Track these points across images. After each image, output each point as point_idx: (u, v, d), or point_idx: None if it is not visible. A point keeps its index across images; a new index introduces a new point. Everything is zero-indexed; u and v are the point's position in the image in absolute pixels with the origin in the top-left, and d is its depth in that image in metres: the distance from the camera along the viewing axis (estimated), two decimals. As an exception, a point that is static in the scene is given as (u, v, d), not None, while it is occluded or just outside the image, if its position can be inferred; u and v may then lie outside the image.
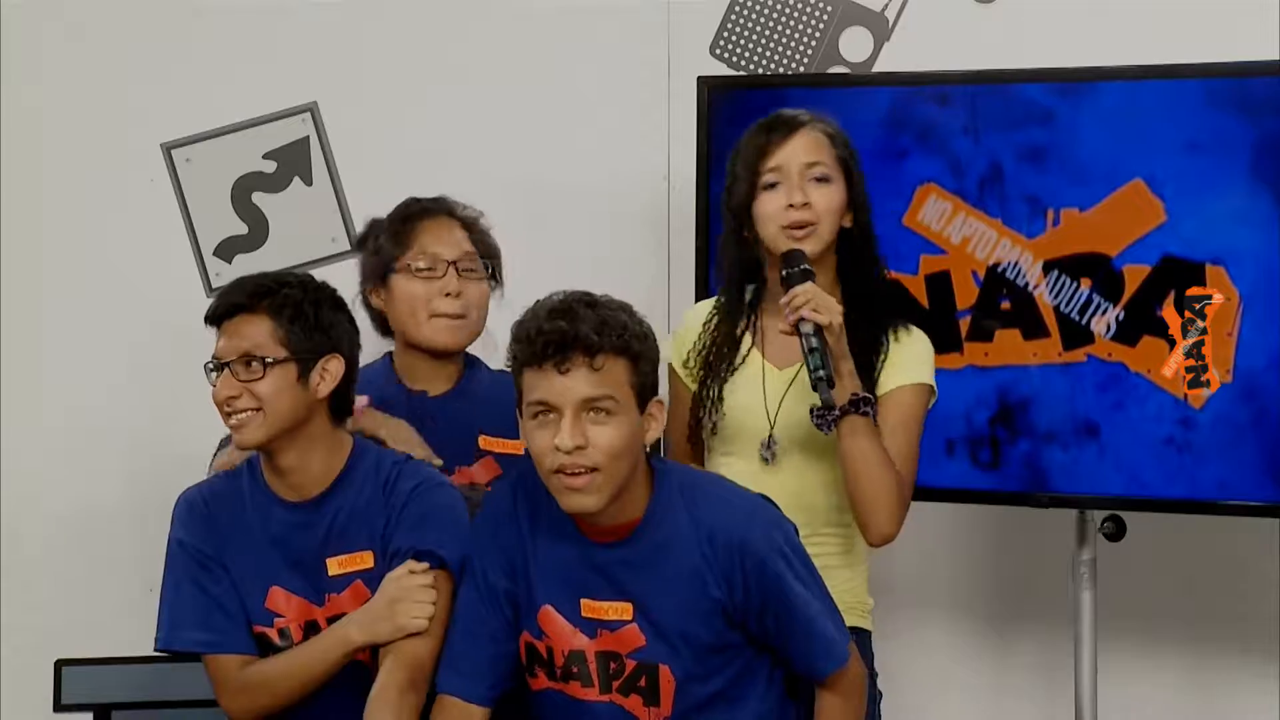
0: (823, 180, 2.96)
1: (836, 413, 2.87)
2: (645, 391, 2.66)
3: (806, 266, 2.92)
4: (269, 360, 2.78)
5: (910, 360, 2.99)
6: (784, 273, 2.92)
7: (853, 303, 2.97)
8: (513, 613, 2.76)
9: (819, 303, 2.86)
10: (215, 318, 2.83)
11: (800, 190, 2.95)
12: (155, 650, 2.87)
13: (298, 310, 2.82)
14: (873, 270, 3.03)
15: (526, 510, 2.76)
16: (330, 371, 2.82)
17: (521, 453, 2.95)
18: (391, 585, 2.78)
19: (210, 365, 2.81)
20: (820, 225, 2.95)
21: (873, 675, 3.00)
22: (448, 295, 3.03)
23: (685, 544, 2.68)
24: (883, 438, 2.92)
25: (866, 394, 2.89)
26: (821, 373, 2.84)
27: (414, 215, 3.09)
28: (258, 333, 2.79)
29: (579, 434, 2.60)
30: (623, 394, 2.62)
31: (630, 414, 2.64)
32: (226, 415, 2.80)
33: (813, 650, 2.71)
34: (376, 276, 3.08)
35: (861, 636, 2.98)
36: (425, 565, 2.78)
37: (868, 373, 2.95)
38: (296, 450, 2.82)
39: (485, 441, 3.07)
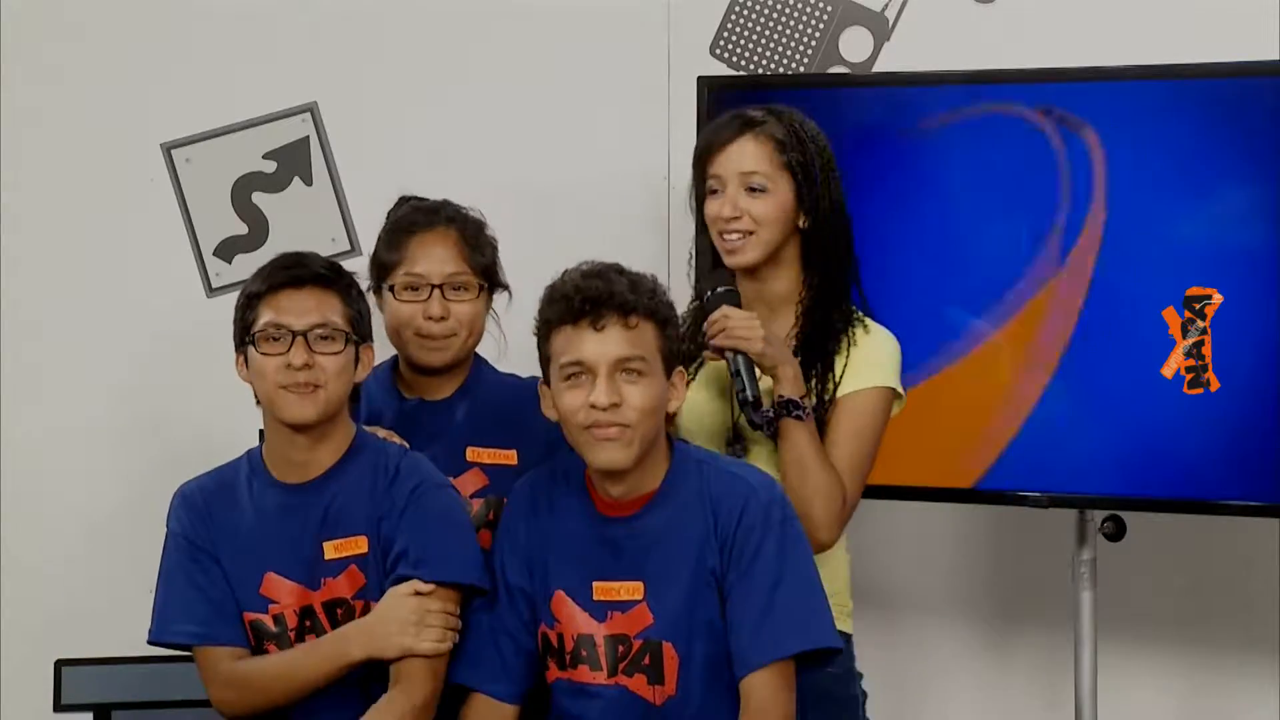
0: (758, 190, 2.94)
1: (769, 414, 2.87)
2: (670, 358, 2.72)
3: (726, 288, 2.93)
4: (350, 338, 2.80)
5: (867, 363, 2.95)
6: (706, 294, 2.94)
7: (814, 303, 2.96)
8: (529, 612, 2.78)
9: (736, 327, 2.87)
10: (282, 284, 2.79)
11: (732, 203, 2.95)
12: (148, 643, 2.87)
13: (359, 293, 2.87)
14: (835, 270, 2.98)
15: (545, 498, 2.80)
16: (365, 360, 2.86)
17: (514, 463, 2.96)
18: (401, 606, 2.78)
19: (268, 333, 2.77)
20: (759, 233, 2.94)
21: (855, 674, 3.01)
22: (430, 319, 3.01)
23: (693, 518, 2.71)
24: (833, 444, 2.90)
25: (793, 398, 2.87)
26: (744, 395, 2.87)
27: (406, 227, 3.03)
28: (330, 307, 2.80)
29: (614, 391, 2.65)
30: (652, 356, 2.68)
31: (659, 377, 2.69)
32: (284, 387, 2.77)
33: (762, 629, 2.67)
34: (374, 284, 3.06)
35: None
36: (431, 586, 2.78)
37: (826, 375, 2.94)
38: (324, 432, 2.83)
39: (473, 453, 3.04)
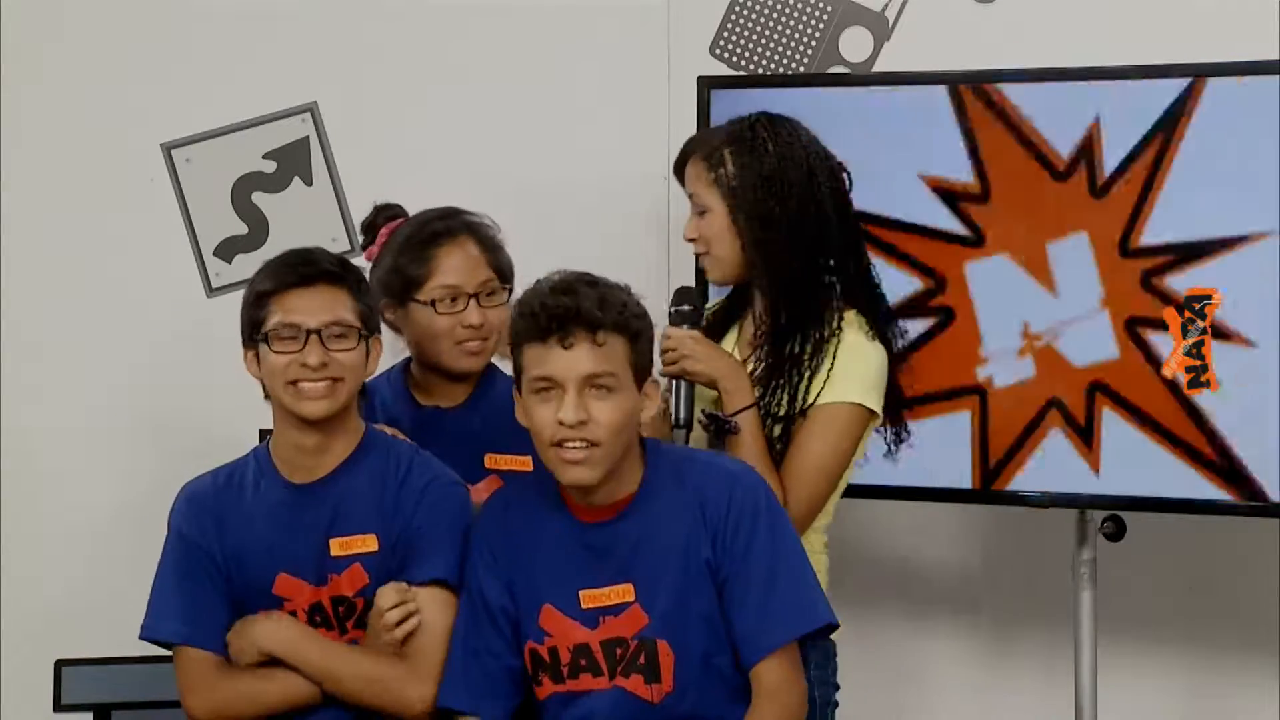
0: (701, 211, 3.01)
1: (709, 426, 2.92)
2: (641, 371, 2.71)
3: (684, 307, 2.98)
4: (363, 331, 2.80)
5: (843, 376, 2.93)
6: (670, 310, 2.99)
7: (770, 311, 2.96)
8: (511, 630, 2.76)
9: (676, 350, 2.93)
10: (293, 283, 2.78)
11: (690, 224, 3.03)
12: (139, 639, 2.87)
13: (367, 287, 2.86)
14: (794, 277, 2.94)
15: (519, 514, 2.79)
16: (375, 353, 2.86)
17: (529, 469, 2.97)
18: (377, 612, 2.81)
19: (285, 332, 2.76)
20: (713, 251, 3.00)
21: (833, 685, 2.98)
22: (468, 326, 3.01)
23: (678, 513, 2.71)
24: (792, 452, 2.92)
25: (717, 414, 2.90)
26: (675, 417, 2.94)
27: (428, 238, 3.02)
28: (342, 304, 2.79)
29: (582, 409, 2.64)
30: (622, 371, 2.67)
31: (629, 391, 2.68)
32: (295, 383, 2.76)
33: (768, 613, 2.68)
34: (393, 296, 3.04)
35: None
36: (404, 585, 2.79)
37: (794, 384, 2.93)
38: (334, 428, 2.83)
39: (491, 460, 3.04)
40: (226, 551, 2.84)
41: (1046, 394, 3.26)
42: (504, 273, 3.06)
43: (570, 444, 2.65)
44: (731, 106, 3.35)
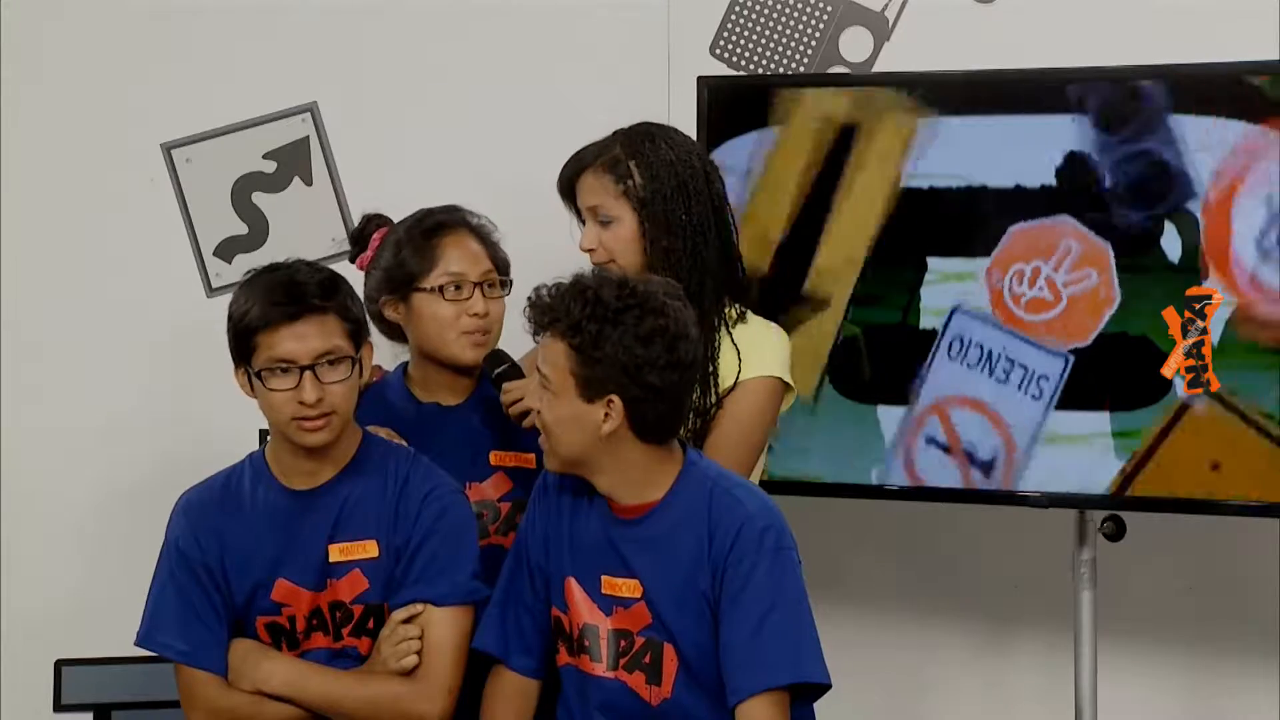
0: (606, 222, 3.06)
1: None
2: (592, 384, 2.69)
3: (503, 368, 3.01)
4: (354, 358, 2.79)
5: (754, 354, 3.02)
6: (491, 374, 3.01)
7: None
8: (544, 590, 2.82)
9: (527, 400, 2.93)
10: (278, 319, 2.74)
11: (589, 235, 3.08)
12: (134, 645, 2.87)
13: (353, 302, 2.83)
14: (702, 279, 3.02)
15: (570, 487, 2.82)
16: (367, 359, 2.85)
17: (533, 466, 2.97)
18: (384, 637, 2.83)
19: (277, 368, 2.74)
20: (618, 260, 3.05)
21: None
22: (474, 315, 3.02)
23: (689, 535, 2.72)
24: (716, 429, 2.99)
25: None
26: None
27: (434, 230, 3.04)
28: (331, 331, 2.76)
29: (535, 396, 2.76)
30: (558, 377, 2.70)
31: (567, 398, 2.71)
32: (300, 420, 2.75)
33: (753, 656, 2.66)
34: (395, 291, 3.05)
35: None
36: (412, 610, 2.81)
37: (708, 380, 3.00)
38: (335, 441, 2.82)
39: (496, 457, 3.06)
40: (226, 560, 2.84)
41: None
42: (502, 267, 3.08)
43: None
44: (732, 106, 3.35)
